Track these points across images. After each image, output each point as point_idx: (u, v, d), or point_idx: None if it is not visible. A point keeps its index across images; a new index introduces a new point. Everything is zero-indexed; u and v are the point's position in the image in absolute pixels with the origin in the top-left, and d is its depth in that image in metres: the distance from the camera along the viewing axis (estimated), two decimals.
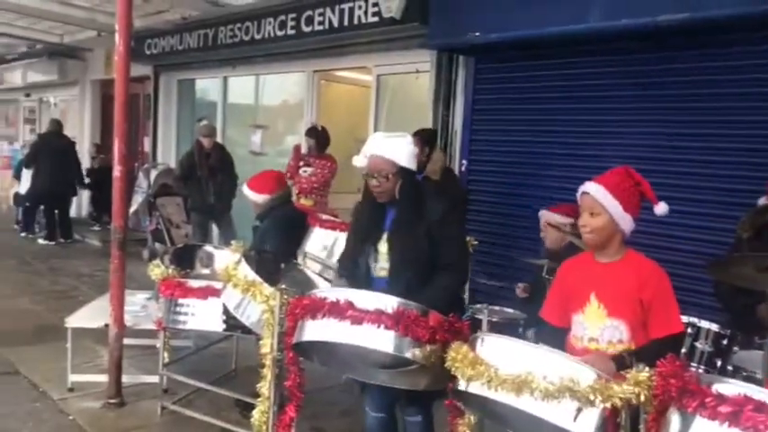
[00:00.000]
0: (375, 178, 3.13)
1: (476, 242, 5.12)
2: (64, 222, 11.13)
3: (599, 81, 5.17)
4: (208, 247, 5.07)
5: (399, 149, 3.14)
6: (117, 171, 4.47)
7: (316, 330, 2.74)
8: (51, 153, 10.63)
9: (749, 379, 3.32)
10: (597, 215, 2.59)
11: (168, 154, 10.95)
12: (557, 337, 2.83)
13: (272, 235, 4.49)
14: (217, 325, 3.95)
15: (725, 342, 3.42)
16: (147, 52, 10.24)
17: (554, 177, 5.47)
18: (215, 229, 8.18)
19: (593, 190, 2.60)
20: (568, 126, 5.43)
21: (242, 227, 7.72)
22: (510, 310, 4.68)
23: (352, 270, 3.27)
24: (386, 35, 6.68)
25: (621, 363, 2.42)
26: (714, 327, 3.44)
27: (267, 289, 3.21)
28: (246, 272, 3.35)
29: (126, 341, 4.76)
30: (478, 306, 4.43)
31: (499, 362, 2.29)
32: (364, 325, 2.62)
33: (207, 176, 7.71)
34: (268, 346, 3.15)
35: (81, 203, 12.99)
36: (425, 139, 5.65)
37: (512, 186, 5.81)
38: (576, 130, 5.37)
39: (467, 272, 3.31)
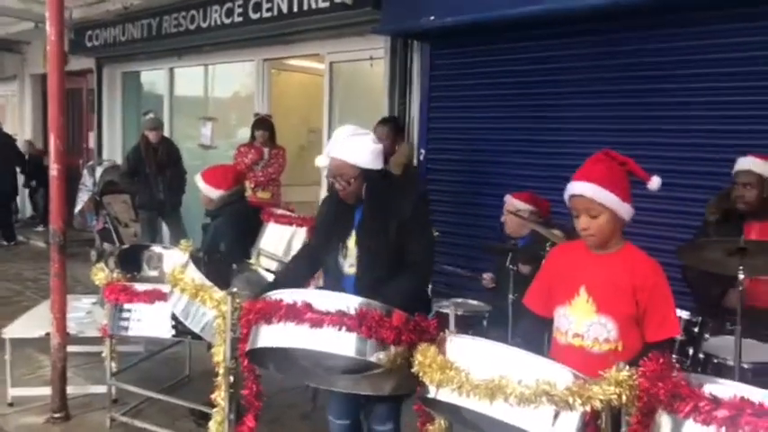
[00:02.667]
0: (338, 182, 3.00)
1: (437, 233, 4.98)
2: (5, 224, 10.65)
3: (559, 64, 5.04)
4: (155, 248, 4.81)
5: (360, 151, 2.97)
6: (54, 170, 4.18)
7: (271, 336, 2.54)
8: None
9: (720, 366, 3.25)
10: (597, 215, 2.40)
11: (114, 150, 10.53)
12: (536, 328, 2.69)
13: (226, 232, 4.27)
14: (165, 331, 3.71)
15: (696, 329, 3.32)
16: (89, 44, 9.81)
17: (515, 164, 5.35)
18: (165, 227, 7.89)
19: (586, 191, 2.39)
20: (528, 111, 5.29)
21: (191, 223, 7.45)
22: (474, 302, 4.54)
23: (309, 265, 3.21)
24: (337, 21, 6.46)
25: None
26: (685, 314, 3.33)
27: (217, 293, 2.99)
28: (194, 275, 3.13)
29: (71, 348, 4.51)
30: (445, 303, 4.27)
31: (470, 365, 2.12)
32: (324, 328, 2.43)
33: (155, 172, 7.43)
34: (221, 354, 2.94)
35: (25, 203, 12.50)
36: (396, 127, 5.43)
37: (472, 174, 5.66)
38: (537, 115, 5.24)
39: (430, 271, 3.17)
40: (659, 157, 4.44)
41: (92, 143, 11.07)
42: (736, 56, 4.21)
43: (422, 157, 6.00)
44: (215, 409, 3.01)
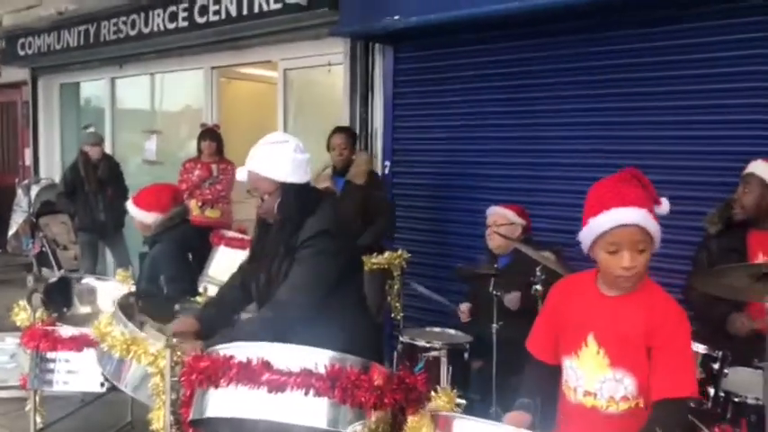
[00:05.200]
0: (254, 197, 2.67)
1: (408, 255, 4.52)
2: None
3: (540, 66, 4.60)
4: (87, 279, 4.22)
5: (277, 161, 2.62)
6: None
7: (220, 403, 2.03)
8: None
9: (742, 405, 2.83)
10: (644, 250, 1.95)
11: (52, 167, 9.78)
12: (543, 377, 2.22)
13: (165, 263, 3.69)
14: (96, 384, 3.14)
15: (716, 365, 2.90)
16: (21, 53, 9.08)
17: (490, 177, 4.91)
18: (108, 252, 7.29)
19: (640, 219, 1.92)
20: (502, 119, 4.86)
21: (137, 247, 6.84)
22: (452, 332, 4.06)
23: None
24: (291, 24, 5.94)
25: None
26: (701, 348, 2.91)
27: (153, 345, 2.45)
28: (123, 327, 2.58)
29: None
30: (431, 349, 3.75)
31: None
32: (287, 392, 1.94)
33: (95, 190, 6.84)
34: (160, 420, 2.40)
35: None
36: (353, 136, 5.09)
37: (443, 189, 5.20)
38: (512, 123, 4.81)
39: (293, 316, 2.53)
40: (652, 167, 4.03)
41: (28, 160, 10.31)
42: (743, 53, 3.83)
43: (387, 170, 5.52)
44: None
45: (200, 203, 6.25)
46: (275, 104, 6.77)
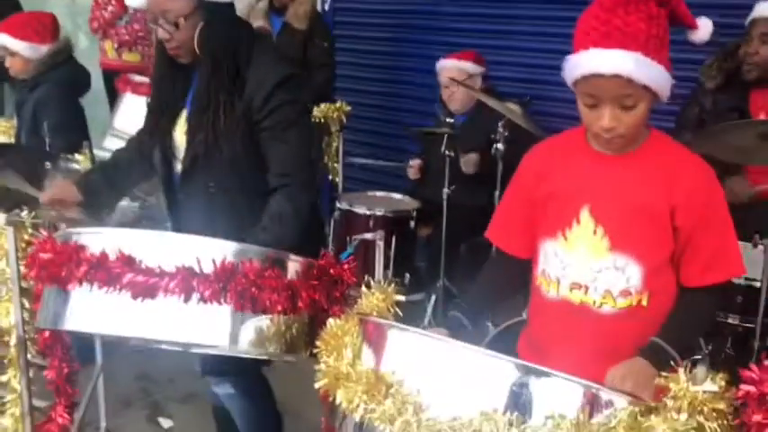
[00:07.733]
0: (160, 26, 1.85)
1: (348, 107, 3.90)
2: None
3: None
4: None
5: None
6: None
7: (71, 312, 1.47)
8: None
9: None
10: (634, 105, 1.39)
11: None
12: (509, 277, 1.72)
13: (50, 108, 2.97)
14: None
15: None
16: None
17: (445, 16, 4.18)
18: None
19: (625, 67, 1.34)
20: None
21: None
22: (397, 196, 3.59)
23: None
24: None
25: (656, 357, 1.37)
26: None
27: None
28: None
29: None
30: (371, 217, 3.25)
31: (419, 381, 1.18)
32: (160, 298, 1.40)
33: None
34: (10, 316, 1.85)
35: None
36: None
37: (391, 30, 4.46)
38: None
39: (313, 185, 2.03)
40: None
41: None
42: None
43: (326, 7, 4.73)
44: (9, 398, 1.95)
45: (115, 45, 5.44)
46: None
